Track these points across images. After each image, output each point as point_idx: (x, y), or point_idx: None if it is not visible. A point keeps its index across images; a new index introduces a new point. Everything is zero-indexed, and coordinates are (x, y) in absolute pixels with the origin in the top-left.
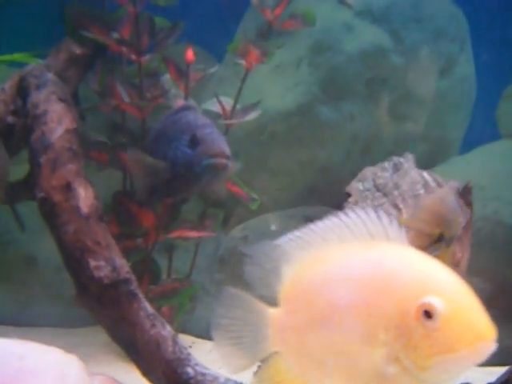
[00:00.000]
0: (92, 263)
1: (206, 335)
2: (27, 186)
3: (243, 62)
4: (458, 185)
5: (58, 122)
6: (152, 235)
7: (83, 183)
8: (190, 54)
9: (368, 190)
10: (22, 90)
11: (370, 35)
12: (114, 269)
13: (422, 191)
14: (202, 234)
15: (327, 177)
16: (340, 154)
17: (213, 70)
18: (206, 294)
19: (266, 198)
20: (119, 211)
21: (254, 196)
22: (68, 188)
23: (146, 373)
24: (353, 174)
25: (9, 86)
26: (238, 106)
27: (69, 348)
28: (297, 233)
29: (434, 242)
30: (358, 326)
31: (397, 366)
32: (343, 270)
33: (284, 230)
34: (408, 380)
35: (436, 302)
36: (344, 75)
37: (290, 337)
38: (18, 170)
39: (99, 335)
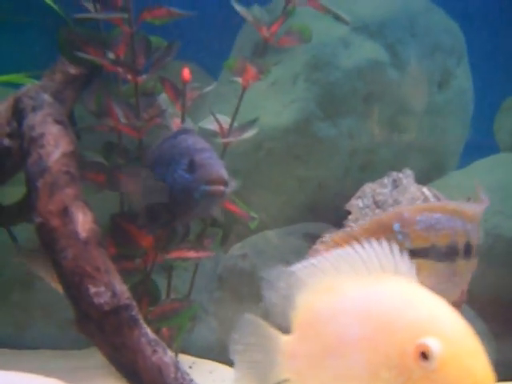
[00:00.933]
0: (92, 289)
1: (205, 355)
2: (23, 209)
3: (239, 79)
4: (480, 209)
5: (54, 144)
6: (151, 256)
7: (81, 207)
8: (186, 72)
9: (368, 206)
10: (18, 112)
11: (367, 50)
12: (115, 295)
13: None
14: (201, 254)
15: (326, 193)
16: (338, 170)
17: (209, 88)
18: (205, 313)
19: (264, 215)
20: (117, 232)
21: (253, 214)
22: (65, 212)
23: None
24: (352, 190)
25: (4, 107)
26: (236, 124)
27: (67, 371)
28: (312, 260)
29: None
30: (361, 361)
31: None
32: (352, 302)
33: (283, 247)
34: None
35: (433, 344)
36: (341, 91)
37: (300, 365)
38: (14, 193)
39: (98, 357)
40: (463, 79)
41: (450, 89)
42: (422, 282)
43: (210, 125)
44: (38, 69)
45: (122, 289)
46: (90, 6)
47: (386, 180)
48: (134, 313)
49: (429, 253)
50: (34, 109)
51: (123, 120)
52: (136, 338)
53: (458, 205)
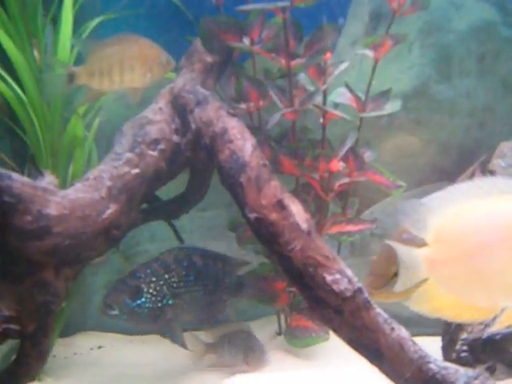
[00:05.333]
0: (328, 277)
1: None
2: (184, 202)
3: (371, 52)
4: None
5: (242, 138)
6: None
7: (291, 198)
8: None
9: (511, 166)
10: (179, 107)
11: (478, 11)
12: (350, 280)
13: None
14: (361, 226)
15: (449, 154)
16: (459, 131)
17: (345, 64)
18: None
19: None
20: None
21: (400, 183)
22: (281, 205)
23: (390, 375)
24: (473, 149)
25: (163, 104)
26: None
27: None
28: (438, 194)
29: (391, 279)
30: (498, 255)
31: None
32: (484, 217)
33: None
34: None
35: None
36: (456, 53)
37: (440, 268)
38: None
39: None
40: None
41: None
42: None
43: (340, 98)
44: None
45: (352, 273)
46: None
47: None
48: (367, 295)
49: None
50: (199, 103)
51: (280, 104)
52: (374, 319)
53: None
